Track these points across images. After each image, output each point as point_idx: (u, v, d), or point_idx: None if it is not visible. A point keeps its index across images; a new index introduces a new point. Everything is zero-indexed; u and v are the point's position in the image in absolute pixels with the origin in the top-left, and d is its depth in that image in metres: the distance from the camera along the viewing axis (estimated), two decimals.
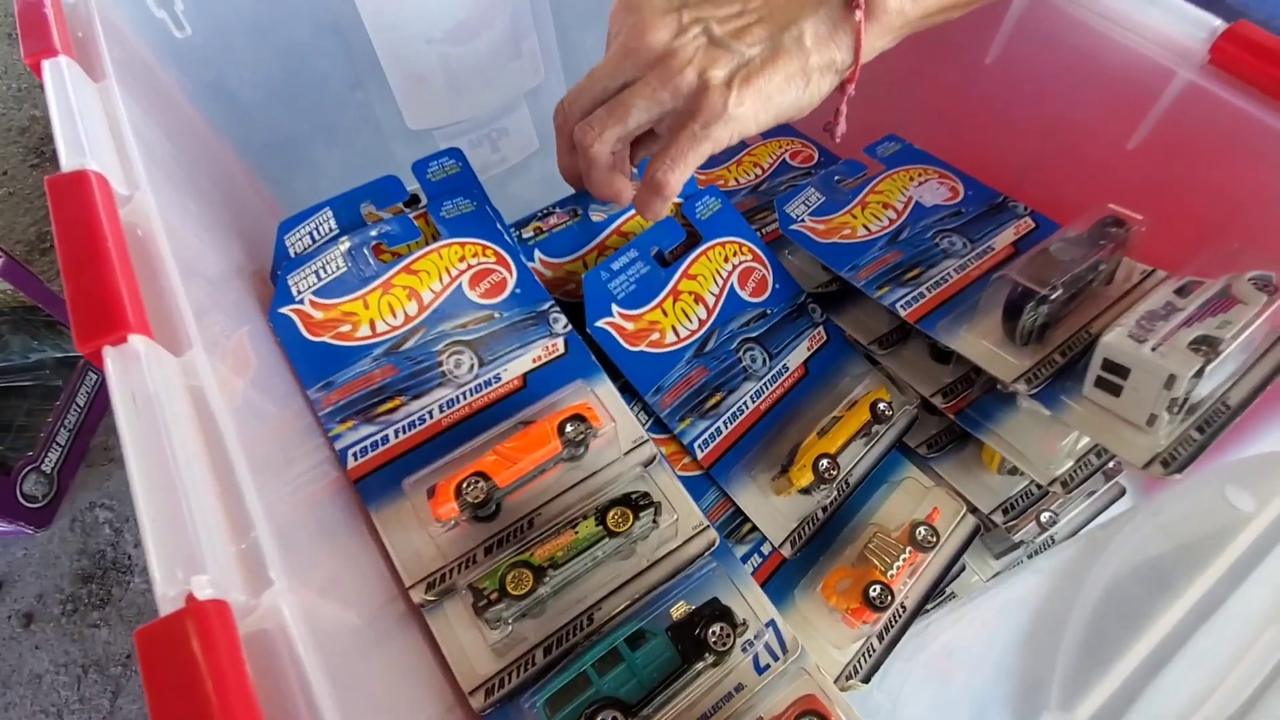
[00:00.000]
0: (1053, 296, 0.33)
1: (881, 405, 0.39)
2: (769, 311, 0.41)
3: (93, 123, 0.30)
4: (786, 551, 0.36)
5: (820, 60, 0.33)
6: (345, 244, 0.36)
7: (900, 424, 0.40)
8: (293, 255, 0.35)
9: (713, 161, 0.53)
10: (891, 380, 0.41)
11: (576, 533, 0.29)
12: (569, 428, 0.33)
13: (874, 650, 0.34)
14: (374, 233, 0.37)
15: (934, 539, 0.37)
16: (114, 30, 0.39)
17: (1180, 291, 0.33)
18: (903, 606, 0.36)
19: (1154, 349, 0.29)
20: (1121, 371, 0.31)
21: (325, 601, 0.21)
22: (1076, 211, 0.39)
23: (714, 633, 0.27)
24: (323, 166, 0.59)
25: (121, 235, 0.25)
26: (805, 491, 0.37)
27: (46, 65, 0.32)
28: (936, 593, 0.37)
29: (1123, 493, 0.43)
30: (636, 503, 0.30)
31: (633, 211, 0.42)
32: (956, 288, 0.39)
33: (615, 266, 0.38)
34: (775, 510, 0.36)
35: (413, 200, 0.54)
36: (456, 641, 0.28)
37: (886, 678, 0.34)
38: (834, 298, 0.45)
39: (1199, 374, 0.28)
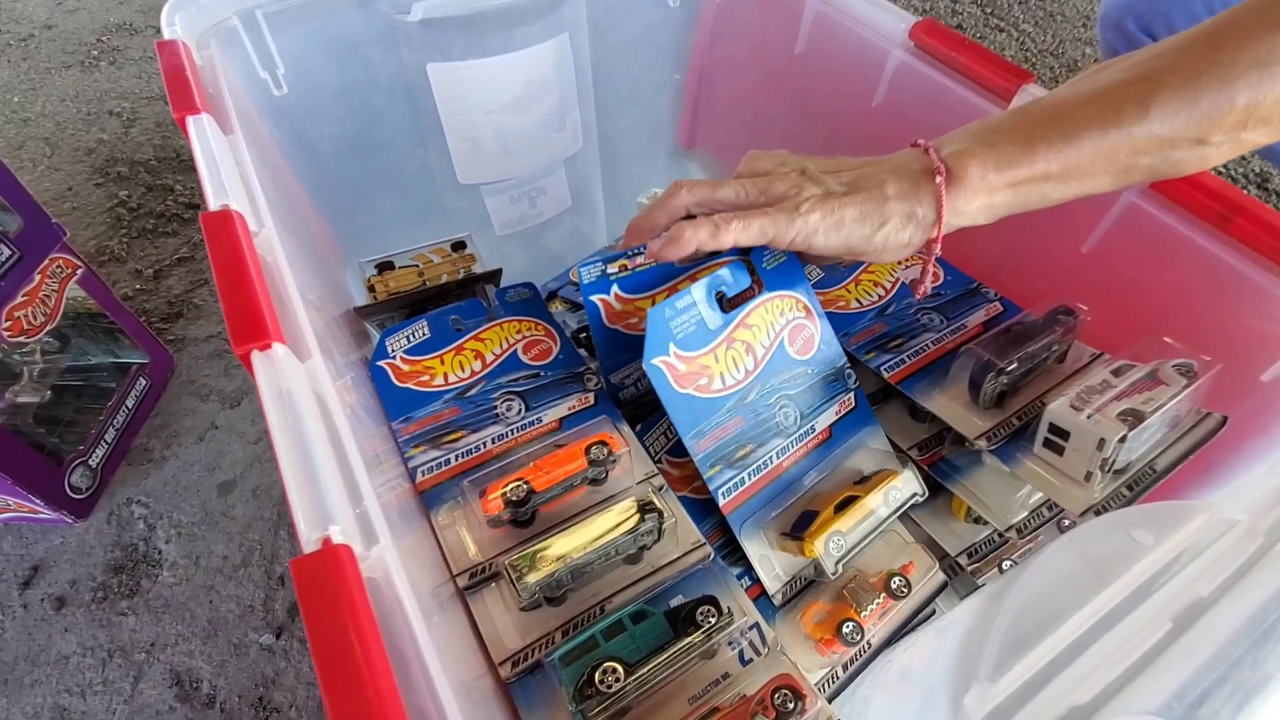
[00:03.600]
0: (1009, 368, 0.40)
1: (894, 493, 0.41)
2: (810, 371, 0.44)
3: (228, 169, 0.37)
4: (777, 600, 0.40)
5: (900, 208, 0.36)
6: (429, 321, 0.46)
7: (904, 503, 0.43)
8: (390, 351, 0.44)
9: None
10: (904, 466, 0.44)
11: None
12: (593, 450, 0.39)
13: (838, 678, 0.39)
14: (452, 312, 0.47)
15: (906, 590, 0.41)
16: (232, 87, 0.47)
17: (1116, 372, 0.39)
18: (869, 644, 0.40)
19: (1089, 416, 0.36)
20: (1063, 434, 0.37)
21: (408, 567, 0.27)
22: (1040, 300, 0.46)
23: (702, 612, 0.33)
24: (381, 211, 0.66)
25: (259, 262, 0.32)
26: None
27: (190, 121, 0.39)
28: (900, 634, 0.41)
29: None
30: (644, 507, 0.36)
31: (710, 264, 0.43)
32: (933, 357, 0.46)
33: (679, 305, 0.39)
34: (775, 563, 0.41)
35: (459, 245, 0.61)
36: (491, 621, 0.34)
37: (849, 702, 0.39)
38: None
39: (1123, 439, 0.34)
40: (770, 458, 0.41)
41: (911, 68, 0.53)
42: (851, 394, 0.45)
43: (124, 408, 0.70)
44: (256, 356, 0.27)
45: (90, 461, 0.66)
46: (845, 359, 0.45)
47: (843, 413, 0.45)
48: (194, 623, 0.60)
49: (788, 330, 0.43)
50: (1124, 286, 0.46)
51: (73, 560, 0.64)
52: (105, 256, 0.91)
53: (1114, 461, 0.36)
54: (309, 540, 0.22)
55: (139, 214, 0.97)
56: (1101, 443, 0.35)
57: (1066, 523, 0.44)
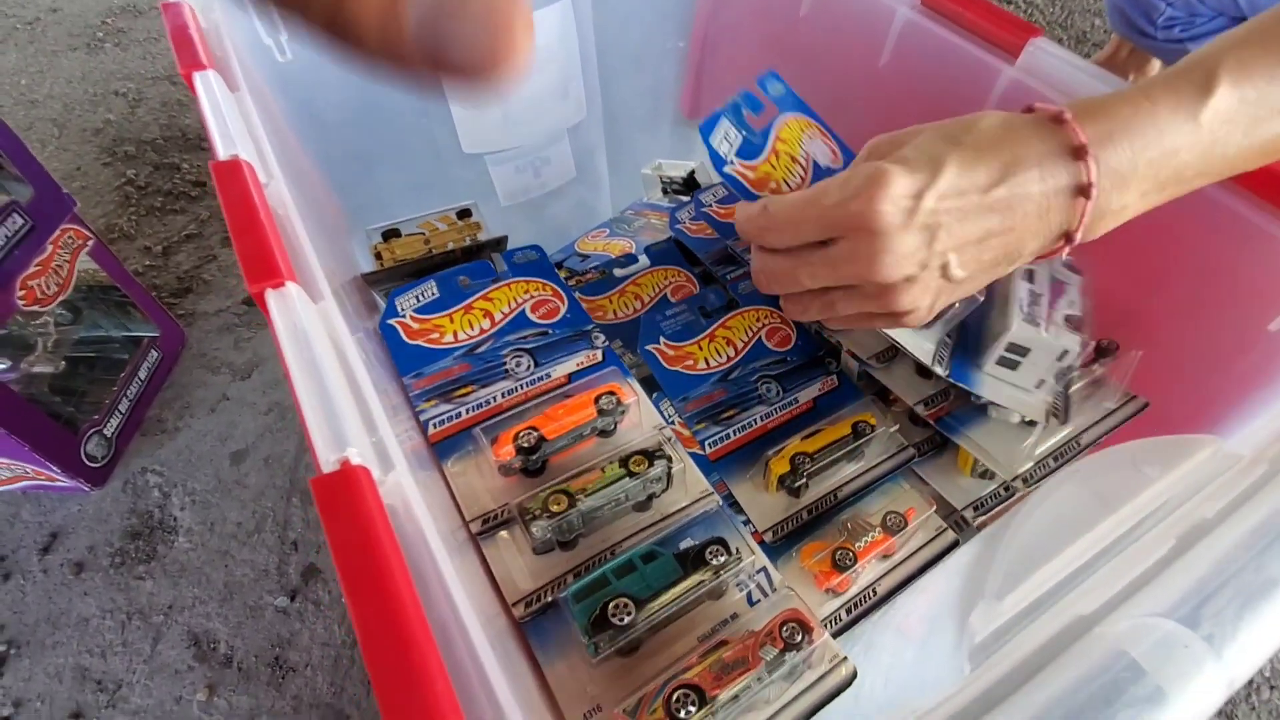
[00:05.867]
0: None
1: (861, 424, 0.44)
2: (789, 359, 0.49)
3: (236, 123, 0.37)
4: (768, 539, 0.41)
5: (1034, 246, 0.32)
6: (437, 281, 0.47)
7: (897, 456, 0.45)
8: (400, 310, 0.45)
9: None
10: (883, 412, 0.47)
11: (604, 472, 0.35)
12: (603, 400, 0.39)
13: (840, 620, 0.40)
14: (460, 273, 0.48)
15: (902, 525, 0.42)
16: (237, 53, 0.47)
17: (1027, 277, 0.40)
18: (873, 590, 0.41)
19: (1045, 330, 0.38)
20: (1022, 351, 0.39)
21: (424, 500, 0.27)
22: None
23: (711, 551, 0.33)
24: (386, 181, 0.66)
25: (269, 208, 0.32)
26: (789, 489, 0.42)
27: (198, 77, 0.39)
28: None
29: None
30: (652, 453, 0.36)
31: (644, 272, 0.54)
32: None
33: (668, 313, 0.49)
34: (765, 504, 0.42)
35: (464, 213, 0.61)
36: (504, 564, 0.34)
37: (858, 642, 0.39)
38: None
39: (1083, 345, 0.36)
40: (754, 420, 0.45)
41: (919, 26, 0.53)
42: (833, 376, 0.48)
43: (136, 379, 0.71)
44: (270, 295, 0.28)
45: (105, 431, 0.67)
46: (823, 350, 0.50)
47: (826, 389, 0.48)
48: (210, 586, 0.61)
49: (764, 331, 0.50)
50: (1127, 238, 0.46)
51: (90, 527, 0.65)
52: (115, 234, 0.91)
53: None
54: (327, 462, 0.23)
55: (147, 192, 0.97)
56: (1064, 353, 0.38)
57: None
